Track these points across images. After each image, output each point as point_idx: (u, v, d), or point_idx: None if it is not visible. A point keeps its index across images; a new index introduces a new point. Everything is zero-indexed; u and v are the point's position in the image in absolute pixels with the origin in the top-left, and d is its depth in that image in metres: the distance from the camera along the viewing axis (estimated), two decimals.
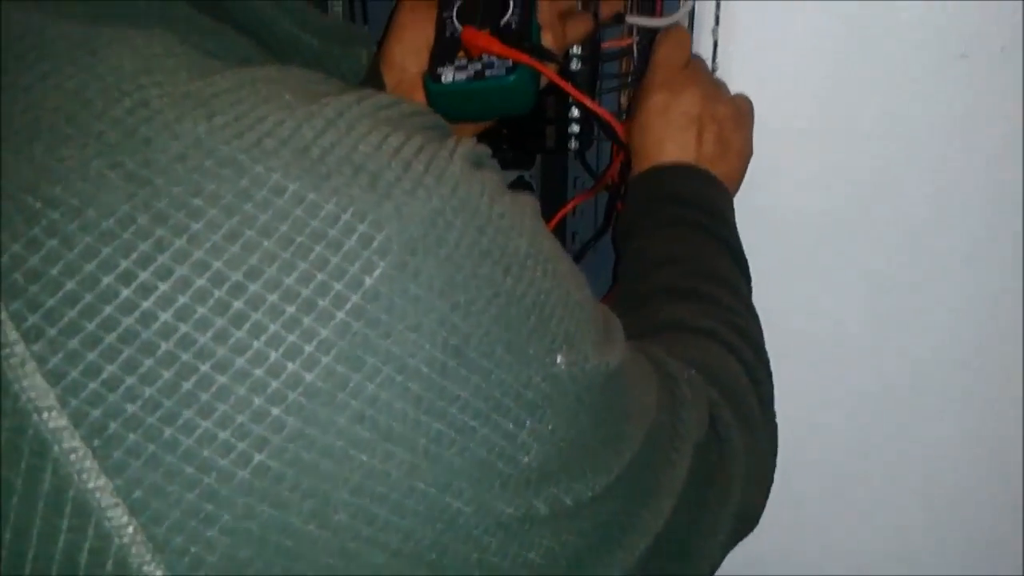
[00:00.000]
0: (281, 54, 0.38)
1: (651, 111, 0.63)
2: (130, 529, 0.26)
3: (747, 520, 0.49)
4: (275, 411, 0.27)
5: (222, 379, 0.26)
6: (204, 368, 0.26)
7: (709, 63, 0.68)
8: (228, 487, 0.26)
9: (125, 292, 0.26)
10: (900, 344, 0.73)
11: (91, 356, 0.26)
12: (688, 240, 0.59)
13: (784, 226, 0.73)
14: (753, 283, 0.62)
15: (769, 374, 0.55)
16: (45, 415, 0.25)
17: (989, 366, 0.72)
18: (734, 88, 0.68)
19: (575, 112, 0.73)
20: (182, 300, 0.26)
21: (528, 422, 0.31)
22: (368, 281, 0.27)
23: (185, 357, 0.26)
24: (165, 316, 0.26)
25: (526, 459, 0.31)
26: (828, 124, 0.69)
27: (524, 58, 0.58)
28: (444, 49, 0.61)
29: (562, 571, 0.34)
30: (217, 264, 0.26)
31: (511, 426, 0.31)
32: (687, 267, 0.57)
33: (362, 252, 0.27)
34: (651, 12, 0.68)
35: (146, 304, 0.26)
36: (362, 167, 0.28)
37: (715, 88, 0.65)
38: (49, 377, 0.26)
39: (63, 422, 0.26)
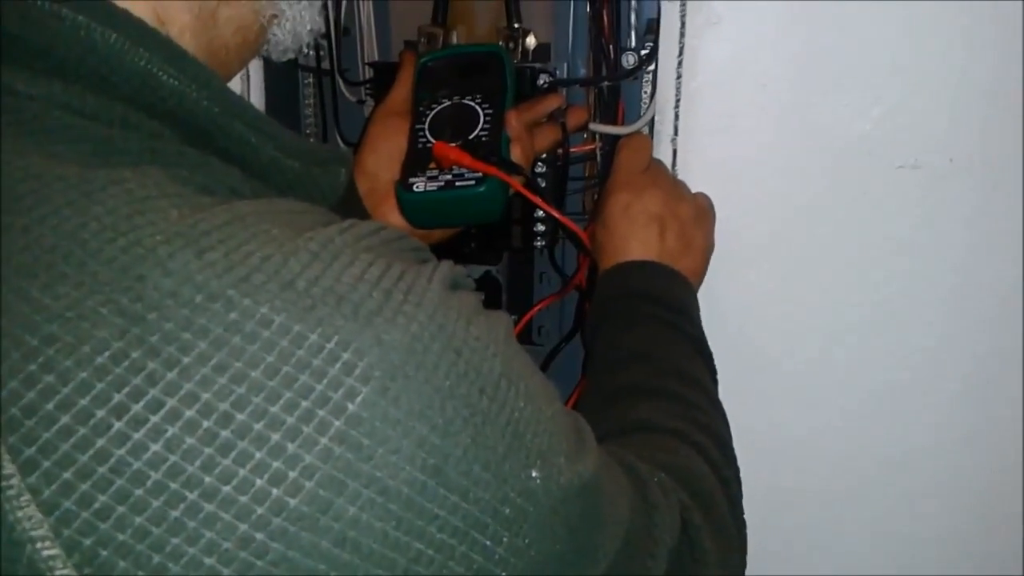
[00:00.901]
0: (265, 178, 0.39)
1: (615, 211, 0.65)
2: None
3: None
4: (259, 536, 0.27)
5: (209, 507, 0.27)
6: (192, 496, 0.27)
7: (670, 168, 0.70)
8: None
9: (117, 425, 0.27)
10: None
11: (84, 487, 0.27)
12: (655, 337, 0.61)
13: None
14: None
15: (736, 472, 0.56)
16: (39, 544, 0.26)
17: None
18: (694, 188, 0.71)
19: (540, 213, 0.75)
20: (172, 431, 0.27)
21: (505, 537, 0.32)
22: (351, 407, 0.29)
23: (174, 486, 0.27)
24: (155, 447, 0.27)
25: (504, 574, 0.32)
26: (785, 227, 0.71)
27: (493, 171, 0.61)
28: (416, 160, 0.64)
29: None
30: (206, 395, 0.27)
31: (489, 542, 0.31)
32: (654, 366, 0.58)
33: (345, 379, 0.29)
34: (613, 120, 0.71)
35: (137, 435, 0.27)
36: (345, 297, 0.30)
37: (675, 188, 0.68)
38: (44, 508, 0.27)
39: (56, 551, 0.26)
